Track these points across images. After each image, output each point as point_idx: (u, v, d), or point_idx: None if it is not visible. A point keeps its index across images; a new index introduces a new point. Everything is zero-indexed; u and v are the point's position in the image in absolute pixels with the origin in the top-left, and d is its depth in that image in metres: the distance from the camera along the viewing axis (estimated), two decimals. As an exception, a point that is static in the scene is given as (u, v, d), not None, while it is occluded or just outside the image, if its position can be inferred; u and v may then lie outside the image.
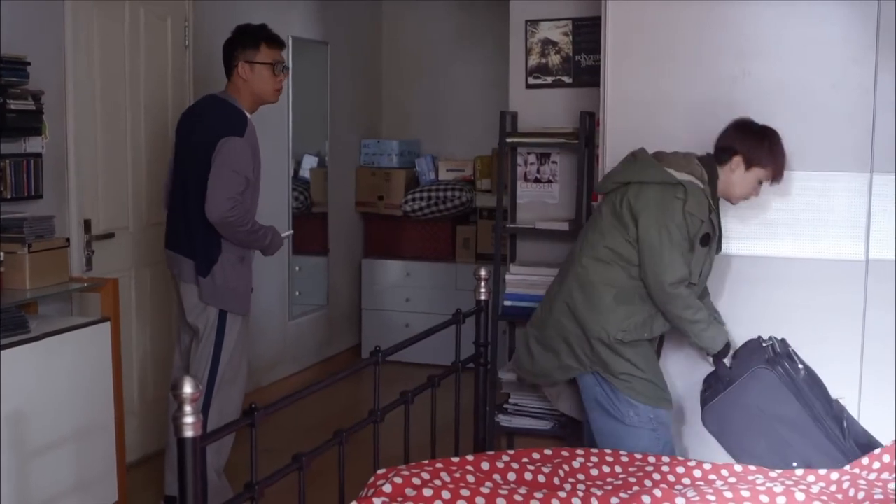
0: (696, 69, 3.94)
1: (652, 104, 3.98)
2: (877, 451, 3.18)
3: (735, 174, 3.60)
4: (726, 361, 3.62)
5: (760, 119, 3.68)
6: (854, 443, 3.47)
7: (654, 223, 3.46)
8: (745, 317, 3.86)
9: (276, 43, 4.13)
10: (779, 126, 3.76)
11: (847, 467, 3.15)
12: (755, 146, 3.58)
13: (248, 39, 4.07)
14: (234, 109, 4.01)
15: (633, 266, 3.51)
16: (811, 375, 3.57)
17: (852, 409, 3.75)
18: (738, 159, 3.58)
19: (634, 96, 4.01)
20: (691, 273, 3.51)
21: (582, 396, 3.69)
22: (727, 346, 3.62)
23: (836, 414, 3.53)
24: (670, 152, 3.62)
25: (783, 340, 3.62)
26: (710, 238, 3.56)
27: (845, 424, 3.49)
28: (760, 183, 3.63)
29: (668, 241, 3.45)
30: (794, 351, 3.60)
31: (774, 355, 3.52)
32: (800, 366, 3.55)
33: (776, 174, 3.62)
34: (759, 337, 3.68)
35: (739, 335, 3.77)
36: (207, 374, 4.00)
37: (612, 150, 4.02)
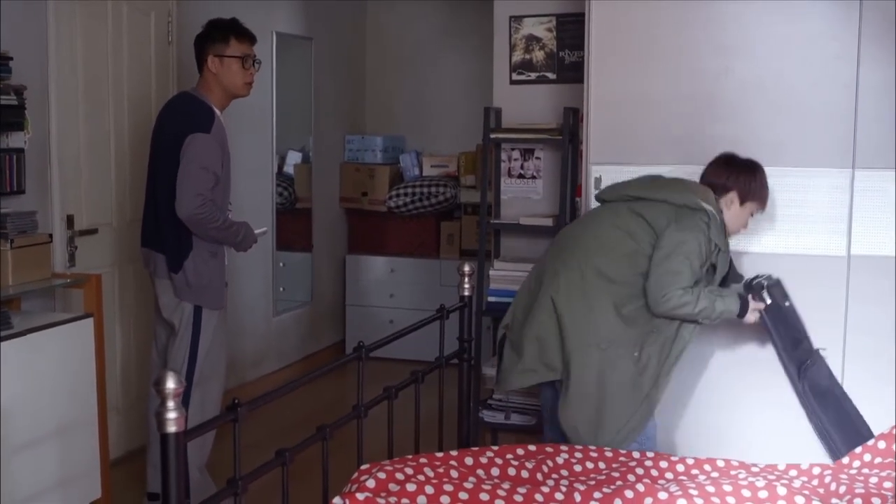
0: (679, 66, 3.96)
1: (635, 101, 3.99)
2: (858, 449, 3.20)
3: (731, 210, 3.60)
4: (767, 299, 3.60)
5: (743, 115, 3.69)
6: (809, 387, 3.66)
7: (678, 241, 3.39)
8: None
9: (246, 37, 4.13)
10: (761, 123, 3.78)
11: (830, 462, 3.17)
12: (748, 181, 3.60)
13: (218, 33, 4.07)
14: (201, 105, 4.00)
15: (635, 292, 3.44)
16: (793, 313, 3.69)
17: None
18: (732, 195, 3.59)
19: (618, 93, 4.01)
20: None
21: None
22: (746, 295, 3.56)
23: (799, 356, 3.68)
24: (684, 180, 3.62)
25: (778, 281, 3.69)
26: (714, 272, 3.53)
27: (804, 367, 3.65)
28: (752, 215, 3.66)
29: (683, 257, 3.38)
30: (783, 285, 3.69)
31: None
32: (787, 302, 3.66)
33: (764, 205, 3.67)
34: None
35: (721, 331, 3.80)
36: (185, 370, 4.00)
37: (596, 146, 4.03)
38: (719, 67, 3.89)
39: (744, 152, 3.73)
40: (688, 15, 3.92)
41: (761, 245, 3.91)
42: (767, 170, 3.68)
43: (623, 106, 4.00)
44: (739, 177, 3.60)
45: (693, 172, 3.75)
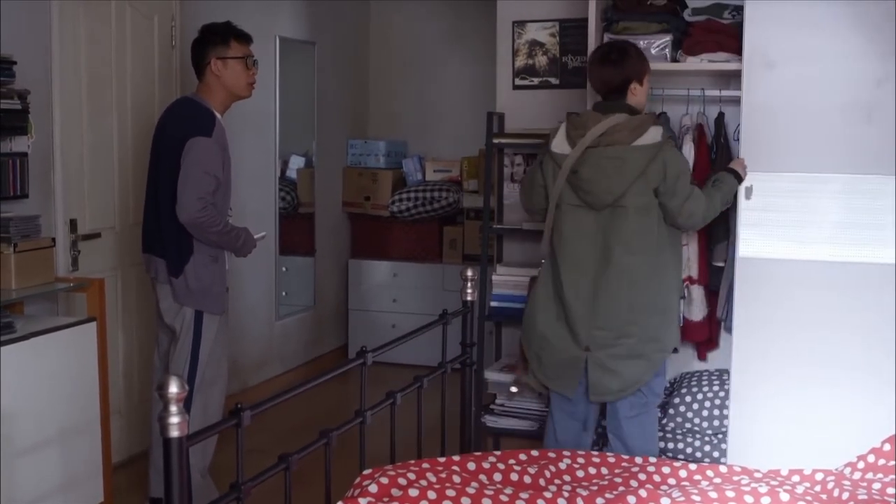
0: (838, 71, 3.80)
1: (790, 110, 3.86)
2: (863, 450, 3.20)
3: (640, 96, 3.70)
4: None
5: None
6: None
7: (682, 173, 3.58)
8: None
9: (245, 38, 4.15)
10: None
11: (833, 468, 3.17)
12: (637, 61, 3.66)
13: (218, 37, 4.09)
14: (202, 109, 4.01)
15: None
16: None
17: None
18: (633, 85, 3.65)
19: (772, 102, 3.87)
20: None
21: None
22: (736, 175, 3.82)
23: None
24: (603, 122, 3.57)
25: None
26: None
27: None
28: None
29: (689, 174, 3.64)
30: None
31: None
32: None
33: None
34: None
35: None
36: (187, 375, 3.99)
37: (751, 154, 3.92)
38: (880, 73, 3.74)
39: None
40: (848, 17, 3.77)
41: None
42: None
43: (778, 117, 3.87)
44: (639, 61, 3.66)
45: (849, 181, 3.71)
